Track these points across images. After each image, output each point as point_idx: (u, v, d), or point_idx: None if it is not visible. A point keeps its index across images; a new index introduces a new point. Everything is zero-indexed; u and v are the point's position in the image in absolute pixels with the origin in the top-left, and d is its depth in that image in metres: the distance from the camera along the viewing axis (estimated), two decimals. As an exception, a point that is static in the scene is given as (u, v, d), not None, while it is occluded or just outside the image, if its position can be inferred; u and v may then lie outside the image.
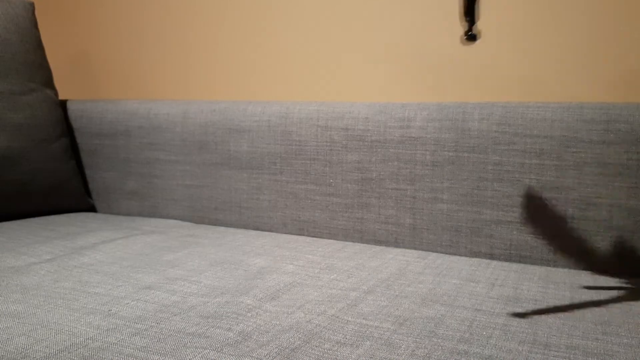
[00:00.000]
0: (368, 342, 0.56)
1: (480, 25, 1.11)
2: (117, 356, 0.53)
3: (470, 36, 0.60)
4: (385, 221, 1.02)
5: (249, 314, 0.62)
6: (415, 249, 1.00)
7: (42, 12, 1.39)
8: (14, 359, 0.53)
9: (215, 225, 1.19)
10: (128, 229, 1.07)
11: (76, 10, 1.62)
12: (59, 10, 1.63)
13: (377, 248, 0.96)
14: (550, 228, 0.87)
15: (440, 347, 0.54)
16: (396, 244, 1.01)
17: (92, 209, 1.35)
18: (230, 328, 0.59)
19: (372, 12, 1.22)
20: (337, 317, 0.62)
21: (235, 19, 1.38)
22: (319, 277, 0.76)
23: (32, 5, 1.35)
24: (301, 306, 0.65)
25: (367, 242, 1.05)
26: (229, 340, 0.56)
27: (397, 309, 0.64)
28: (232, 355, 0.53)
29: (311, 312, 0.63)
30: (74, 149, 1.34)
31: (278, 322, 0.60)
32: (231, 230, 1.12)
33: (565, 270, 0.81)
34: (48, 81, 1.35)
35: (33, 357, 0.53)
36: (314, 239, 1.02)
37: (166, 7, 1.48)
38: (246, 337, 0.57)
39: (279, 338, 0.57)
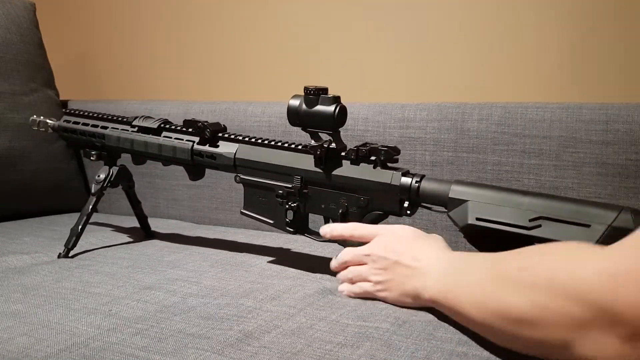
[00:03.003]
0: (368, 342, 0.56)
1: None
2: (118, 356, 0.53)
3: None
4: (385, 221, 1.02)
5: (250, 315, 0.62)
6: (414, 249, 1.00)
7: (43, 13, 1.39)
8: (15, 358, 0.53)
9: (215, 225, 1.20)
10: (128, 229, 1.07)
11: (77, 11, 1.62)
12: (60, 11, 1.63)
13: (377, 248, 0.96)
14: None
15: (439, 350, 0.55)
16: (396, 244, 1.01)
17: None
18: (231, 328, 0.59)
19: (372, 12, 1.22)
20: (338, 321, 0.62)
21: (235, 20, 1.39)
22: (320, 280, 0.76)
23: (33, 6, 1.36)
24: (302, 309, 0.65)
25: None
26: (230, 340, 0.56)
27: (396, 310, 0.65)
28: (232, 358, 0.53)
29: (312, 317, 0.63)
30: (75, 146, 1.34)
31: (279, 324, 0.60)
32: (231, 230, 1.13)
33: (564, 270, 0.82)
34: (49, 81, 1.35)
35: (34, 357, 0.53)
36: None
37: (166, 9, 1.48)
38: (247, 337, 0.57)
39: (281, 341, 0.57)
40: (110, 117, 0.95)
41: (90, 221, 0.91)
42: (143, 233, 1.03)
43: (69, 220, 0.96)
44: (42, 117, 1.00)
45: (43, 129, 1.00)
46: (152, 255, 0.88)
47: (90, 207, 0.91)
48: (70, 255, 0.88)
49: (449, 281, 0.58)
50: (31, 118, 1.00)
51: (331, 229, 0.73)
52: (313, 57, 1.30)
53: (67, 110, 1.00)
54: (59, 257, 0.87)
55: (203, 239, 1.02)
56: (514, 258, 0.51)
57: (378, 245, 0.67)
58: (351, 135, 1.04)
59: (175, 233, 1.06)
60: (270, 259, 0.87)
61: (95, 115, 0.96)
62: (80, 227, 0.89)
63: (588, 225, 0.57)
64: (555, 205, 0.60)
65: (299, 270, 0.80)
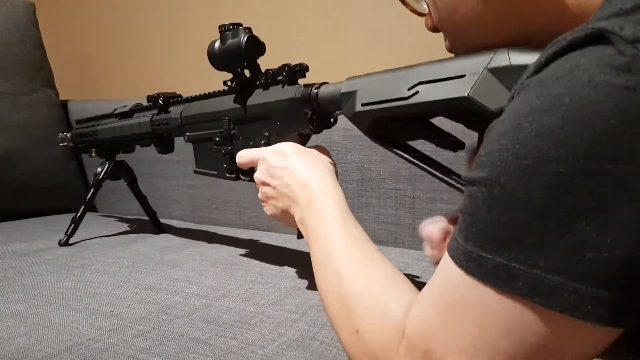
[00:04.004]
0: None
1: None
2: (119, 357, 0.53)
3: None
4: (385, 221, 1.02)
5: (252, 322, 0.62)
6: (415, 249, 1.00)
7: (43, 13, 1.39)
8: (15, 358, 0.53)
9: (215, 225, 1.20)
10: (129, 229, 1.07)
11: (77, 11, 1.62)
12: (60, 11, 1.63)
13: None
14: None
15: None
16: (395, 243, 1.02)
17: (92, 209, 1.36)
18: (234, 337, 0.59)
19: (374, 13, 1.22)
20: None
21: (236, 20, 1.38)
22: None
23: (33, 5, 1.36)
24: (304, 314, 0.64)
25: (367, 242, 1.05)
26: (233, 349, 0.56)
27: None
28: None
29: (313, 322, 0.62)
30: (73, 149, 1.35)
31: (283, 332, 0.59)
32: (231, 230, 1.13)
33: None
34: (49, 81, 1.35)
35: (34, 357, 0.53)
36: (314, 239, 1.02)
37: (166, 9, 1.48)
38: (250, 344, 0.57)
39: (284, 352, 0.57)
40: (103, 115, 0.99)
41: (91, 219, 0.92)
42: (143, 232, 1.03)
43: (68, 220, 0.97)
44: (65, 133, 1.07)
45: (66, 143, 1.06)
46: (152, 255, 0.88)
47: (88, 197, 0.98)
48: (70, 243, 0.94)
49: (305, 223, 0.60)
50: (59, 136, 1.07)
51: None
52: (314, 58, 1.30)
53: (77, 120, 1.06)
54: (59, 243, 0.93)
55: (203, 238, 1.02)
56: (355, 266, 0.50)
57: (261, 170, 0.67)
58: (351, 135, 1.04)
59: (175, 233, 1.06)
60: (270, 257, 0.86)
61: (96, 116, 1.01)
62: (78, 215, 0.96)
63: (462, 76, 0.51)
64: (430, 67, 0.55)
65: (298, 269, 0.80)
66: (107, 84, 1.62)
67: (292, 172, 0.62)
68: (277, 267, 0.82)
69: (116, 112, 0.96)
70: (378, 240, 1.04)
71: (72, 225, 0.95)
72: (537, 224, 0.32)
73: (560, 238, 0.31)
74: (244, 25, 0.72)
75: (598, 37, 0.31)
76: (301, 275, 0.78)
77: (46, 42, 1.36)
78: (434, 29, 0.53)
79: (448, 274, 0.37)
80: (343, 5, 1.25)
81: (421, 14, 0.55)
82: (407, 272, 0.80)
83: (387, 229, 1.02)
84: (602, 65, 0.30)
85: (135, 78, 1.56)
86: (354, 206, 1.05)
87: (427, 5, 0.53)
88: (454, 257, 0.36)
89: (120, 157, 1.02)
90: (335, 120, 0.70)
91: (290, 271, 0.80)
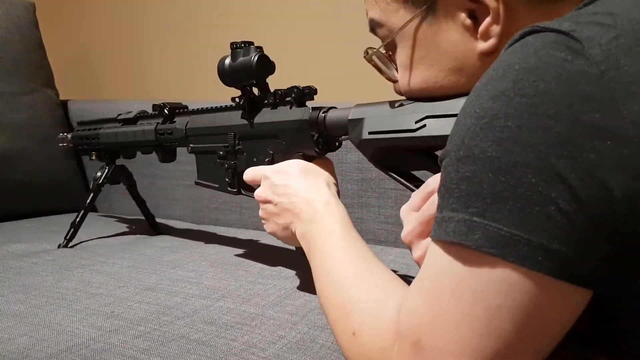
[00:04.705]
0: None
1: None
2: (120, 358, 0.53)
3: None
4: (385, 221, 1.02)
5: (253, 323, 0.62)
6: (415, 249, 1.00)
7: (43, 13, 1.40)
8: (15, 358, 0.53)
9: (215, 225, 1.20)
10: (129, 230, 1.07)
11: (77, 10, 1.62)
12: (60, 10, 1.63)
13: (378, 248, 0.96)
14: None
15: None
16: (396, 244, 1.02)
17: (92, 209, 1.35)
18: (235, 339, 0.59)
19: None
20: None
21: (235, 21, 1.38)
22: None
23: (33, 6, 1.36)
24: (304, 316, 0.64)
25: (367, 242, 1.02)
26: (233, 350, 0.56)
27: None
28: None
29: (314, 325, 0.62)
30: (74, 149, 1.35)
31: (283, 334, 0.59)
32: (231, 230, 1.12)
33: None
34: (49, 81, 1.35)
35: (35, 357, 0.53)
36: (314, 239, 1.02)
37: (166, 9, 1.48)
38: (251, 347, 0.57)
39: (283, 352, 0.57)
40: (106, 119, 0.99)
41: (91, 219, 0.92)
42: (143, 232, 1.03)
43: (68, 220, 0.97)
44: (64, 134, 1.06)
45: (65, 144, 1.06)
46: (152, 255, 0.88)
47: (87, 202, 0.97)
48: (69, 246, 0.93)
49: (307, 237, 0.60)
50: (58, 136, 1.07)
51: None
52: (316, 58, 1.30)
53: (79, 122, 1.06)
54: (59, 247, 0.92)
55: (203, 238, 1.02)
56: (355, 280, 0.51)
57: (263, 188, 0.68)
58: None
59: (175, 233, 1.06)
60: (269, 258, 0.86)
61: (98, 120, 1.01)
62: (77, 220, 0.95)
63: None
64: (440, 103, 0.56)
65: (297, 270, 0.80)
66: (108, 84, 1.62)
67: (296, 190, 0.64)
68: (277, 268, 0.82)
69: (120, 117, 0.96)
70: (378, 240, 1.04)
71: (72, 230, 0.94)
72: (492, 177, 0.34)
73: (512, 190, 0.33)
74: (255, 44, 0.73)
75: (542, 30, 0.36)
76: (301, 276, 0.78)
77: (46, 42, 1.36)
78: (401, 93, 0.58)
79: (428, 257, 0.39)
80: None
81: (395, 81, 0.59)
82: (410, 274, 0.80)
83: (387, 229, 1.02)
84: (546, 42, 0.35)
85: (136, 78, 1.56)
86: (354, 206, 1.05)
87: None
88: (432, 235, 0.38)
89: (120, 160, 1.02)
90: (340, 144, 0.71)
91: (290, 272, 0.80)
